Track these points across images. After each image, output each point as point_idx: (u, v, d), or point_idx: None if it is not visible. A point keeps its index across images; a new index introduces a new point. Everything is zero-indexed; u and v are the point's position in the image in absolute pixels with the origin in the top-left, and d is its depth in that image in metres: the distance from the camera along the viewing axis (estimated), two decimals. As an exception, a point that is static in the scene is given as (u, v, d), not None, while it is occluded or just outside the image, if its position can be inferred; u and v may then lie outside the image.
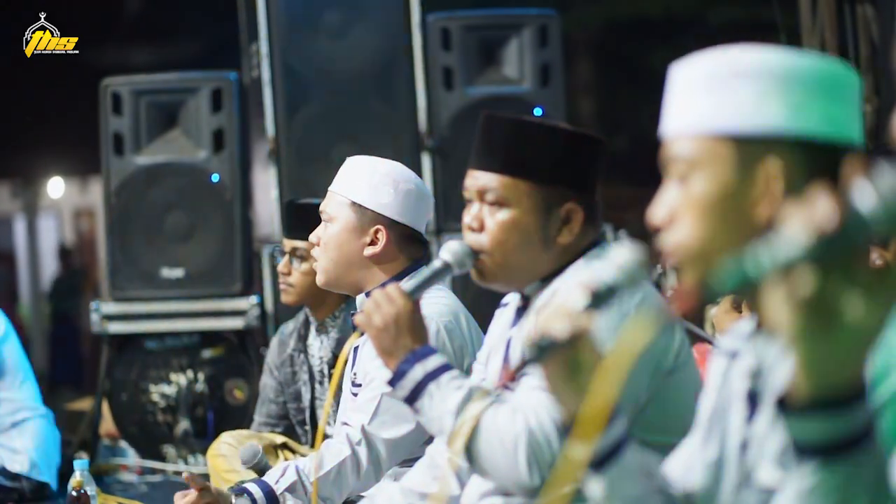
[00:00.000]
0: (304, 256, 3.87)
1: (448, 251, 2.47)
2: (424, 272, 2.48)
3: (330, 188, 3.29)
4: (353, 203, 3.22)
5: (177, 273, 5.74)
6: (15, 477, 4.69)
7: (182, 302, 5.71)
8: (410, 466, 2.88)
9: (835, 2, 6.24)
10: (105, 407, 5.76)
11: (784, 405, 1.34)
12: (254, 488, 3.08)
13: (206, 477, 3.69)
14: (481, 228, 2.46)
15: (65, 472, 4.55)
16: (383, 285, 3.09)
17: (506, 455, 2.25)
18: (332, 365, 3.90)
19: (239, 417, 5.46)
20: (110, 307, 5.71)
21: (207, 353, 5.72)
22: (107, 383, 5.72)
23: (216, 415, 5.62)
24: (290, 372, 4.09)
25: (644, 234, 1.77)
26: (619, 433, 1.77)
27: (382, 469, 3.09)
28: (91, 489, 3.38)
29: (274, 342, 4.25)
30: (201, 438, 5.52)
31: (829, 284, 1.27)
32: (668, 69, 1.69)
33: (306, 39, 5.81)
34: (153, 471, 5.49)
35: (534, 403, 2.24)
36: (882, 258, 3.00)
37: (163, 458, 5.58)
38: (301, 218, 3.85)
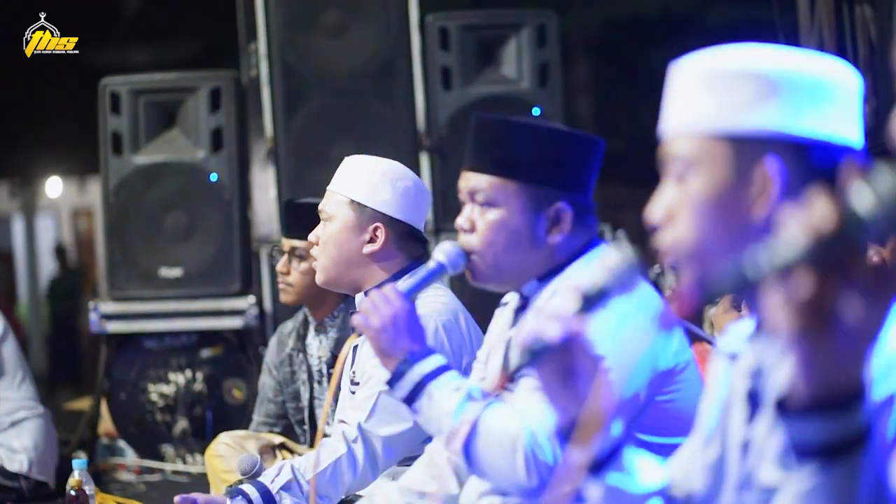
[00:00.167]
0: (303, 256, 3.87)
1: (441, 252, 2.50)
2: (419, 273, 2.51)
3: (329, 187, 3.30)
4: (353, 201, 3.23)
5: (175, 273, 5.74)
6: (14, 476, 4.69)
7: (180, 301, 5.71)
8: (409, 465, 2.88)
9: (833, 2, 6.23)
10: (104, 406, 5.76)
11: (783, 407, 1.34)
12: (249, 489, 3.09)
13: (203, 476, 3.70)
14: (473, 229, 2.48)
15: (63, 471, 4.54)
16: (382, 284, 3.10)
17: (504, 456, 2.25)
18: (330, 364, 3.90)
19: (237, 417, 5.46)
20: (109, 307, 5.71)
21: (206, 353, 5.73)
22: (105, 383, 5.72)
23: (215, 414, 5.62)
24: (289, 371, 4.09)
25: (642, 235, 1.77)
26: (618, 436, 1.77)
27: (379, 467, 3.09)
28: (89, 488, 3.38)
29: (273, 342, 4.25)
30: (200, 438, 5.52)
31: (827, 285, 1.27)
32: (666, 69, 1.69)
33: (305, 39, 5.81)
34: (151, 470, 5.49)
35: (532, 405, 2.24)
36: (879, 255, 3.00)
37: (161, 458, 5.59)
38: (300, 217, 3.85)
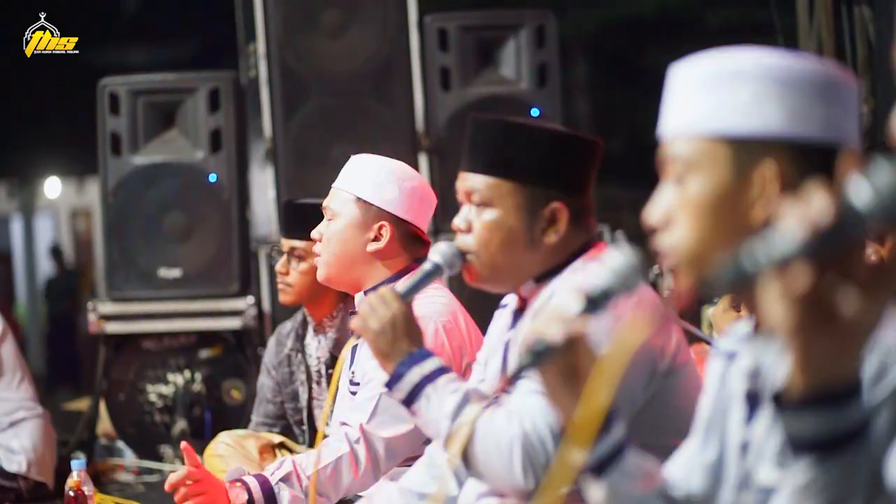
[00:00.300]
0: (302, 256, 3.87)
1: (437, 252, 2.50)
2: (417, 274, 2.51)
3: (334, 185, 3.30)
4: (358, 199, 3.23)
5: (174, 273, 5.74)
6: (12, 477, 4.69)
7: (179, 302, 5.71)
8: (409, 466, 2.88)
9: (832, 3, 6.24)
10: (102, 407, 5.76)
11: (779, 401, 1.34)
12: (250, 479, 3.09)
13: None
14: (469, 229, 2.48)
15: (62, 471, 4.54)
16: (383, 283, 3.10)
17: (501, 458, 2.25)
18: (329, 365, 3.89)
19: (236, 417, 5.46)
20: (107, 307, 5.71)
21: (205, 354, 5.72)
22: (104, 383, 5.72)
23: (213, 415, 5.62)
24: (288, 372, 4.09)
25: (641, 236, 1.78)
26: (619, 437, 1.77)
27: (381, 468, 3.09)
28: (88, 489, 3.38)
29: (271, 342, 4.25)
30: (198, 438, 5.51)
31: (825, 280, 1.27)
32: (664, 70, 1.70)
33: (304, 39, 5.81)
34: (150, 471, 5.48)
35: (529, 407, 2.25)
36: (878, 254, 3.00)
37: (160, 458, 5.58)
38: (299, 218, 3.85)
